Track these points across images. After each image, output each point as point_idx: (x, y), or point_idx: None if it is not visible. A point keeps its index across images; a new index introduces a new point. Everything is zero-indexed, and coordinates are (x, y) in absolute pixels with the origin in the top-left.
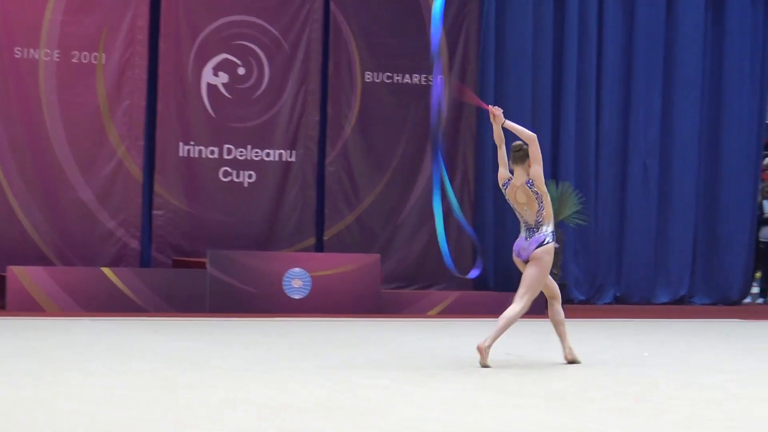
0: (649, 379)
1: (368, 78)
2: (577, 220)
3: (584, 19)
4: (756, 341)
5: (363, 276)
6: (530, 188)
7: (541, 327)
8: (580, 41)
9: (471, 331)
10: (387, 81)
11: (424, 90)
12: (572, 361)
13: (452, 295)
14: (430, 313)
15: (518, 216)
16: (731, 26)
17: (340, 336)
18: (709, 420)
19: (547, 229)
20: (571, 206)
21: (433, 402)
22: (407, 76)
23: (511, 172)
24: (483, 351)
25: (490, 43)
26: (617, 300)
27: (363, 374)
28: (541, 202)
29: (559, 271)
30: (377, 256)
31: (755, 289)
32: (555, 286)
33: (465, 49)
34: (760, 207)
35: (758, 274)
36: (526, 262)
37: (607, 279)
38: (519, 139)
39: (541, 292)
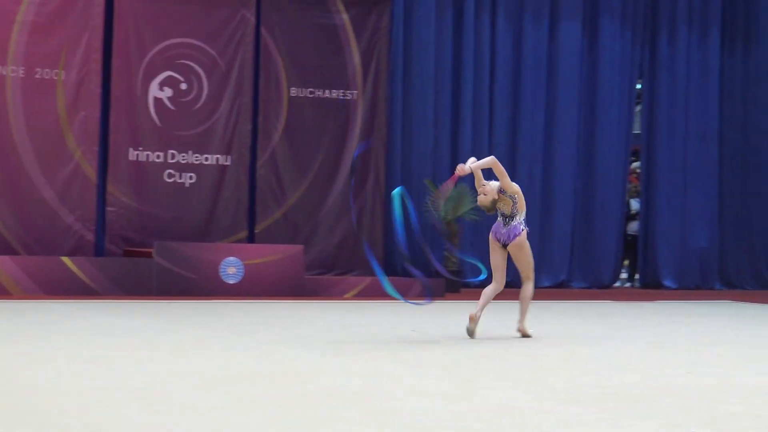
0: (534, 352)
1: (293, 93)
2: (473, 216)
3: (479, 43)
4: (625, 319)
5: (289, 264)
6: (504, 194)
7: (445, 307)
8: (475, 62)
9: (382, 311)
10: (310, 96)
11: (342, 104)
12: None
13: (366, 280)
14: (346, 296)
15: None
16: (604, 50)
17: (269, 316)
18: (585, 386)
19: (520, 218)
20: (468, 204)
21: (348, 372)
22: (327, 91)
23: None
24: (524, 331)
25: (398, 62)
26: (507, 284)
27: (289, 348)
28: (515, 201)
29: (458, 260)
30: (301, 246)
31: (624, 275)
32: (503, 280)
33: (377, 67)
34: (628, 205)
35: (626, 262)
36: (502, 244)
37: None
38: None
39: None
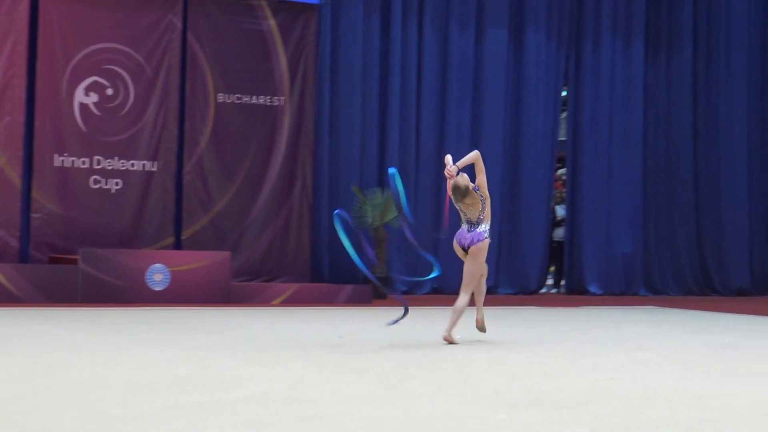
0: (462, 358)
1: (220, 99)
2: (400, 222)
3: (406, 49)
4: (551, 326)
5: (216, 270)
6: (477, 192)
7: (372, 314)
8: (402, 66)
9: (310, 318)
10: (237, 102)
11: (269, 110)
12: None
13: (293, 287)
14: (274, 302)
15: (461, 213)
16: (529, 58)
17: (195, 323)
18: (512, 392)
19: (485, 227)
20: (395, 210)
21: (276, 378)
22: (254, 97)
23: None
24: (449, 339)
25: (325, 67)
26: (434, 290)
27: (215, 355)
28: (484, 204)
29: (384, 266)
30: (228, 253)
31: (550, 281)
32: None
33: (304, 72)
34: (553, 211)
35: (552, 268)
36: (464, 249)
37: (426, 273)
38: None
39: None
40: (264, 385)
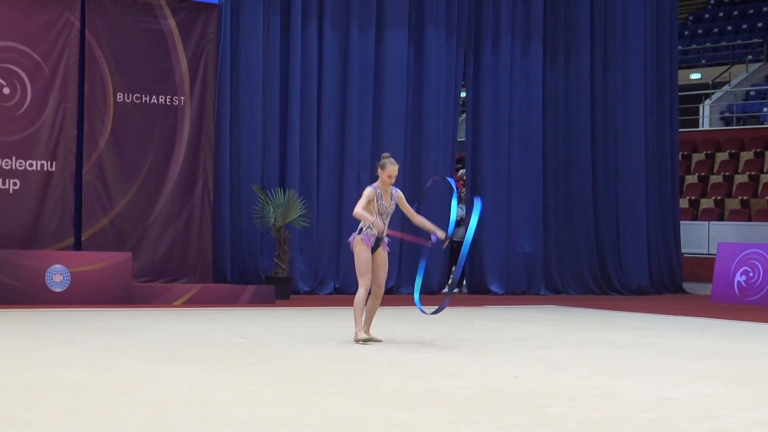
0: (364, 358)
1: (120, 98)
2: (302, 222)
3: (306, 50)
4: (452, 325)
5: (116, 271)
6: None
7: (275, 315)
8: (303, 67)
9: (212, 319)
10: (136, 101)
11: (168, 109)
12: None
13: (195, 288)
14: (176, 303)
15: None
16: (429, 59)
17: (96, 324)
18: (414, 391)
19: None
20: (297, 211)
21: (178, 380)
22: (154, 97)
23: None
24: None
25: (226, 67)
26: (336, 291)
27: (117, 356)
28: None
29: (287, 266)
30: (129, 253)
31: (452, 280)
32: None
33: (205, 72)
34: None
35: (453, 268)
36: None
37: (328, 273)
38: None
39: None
40: (166, 387)
